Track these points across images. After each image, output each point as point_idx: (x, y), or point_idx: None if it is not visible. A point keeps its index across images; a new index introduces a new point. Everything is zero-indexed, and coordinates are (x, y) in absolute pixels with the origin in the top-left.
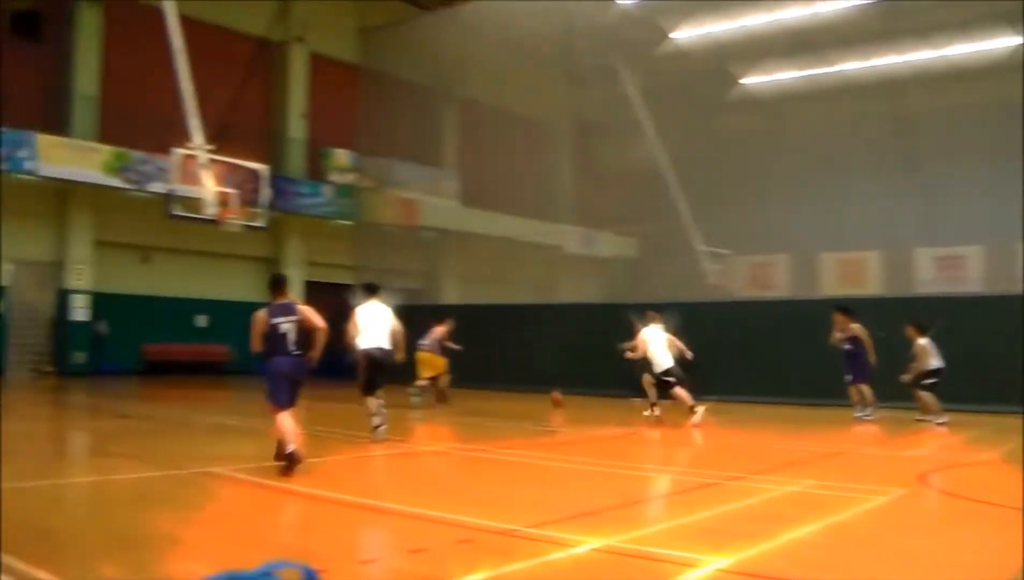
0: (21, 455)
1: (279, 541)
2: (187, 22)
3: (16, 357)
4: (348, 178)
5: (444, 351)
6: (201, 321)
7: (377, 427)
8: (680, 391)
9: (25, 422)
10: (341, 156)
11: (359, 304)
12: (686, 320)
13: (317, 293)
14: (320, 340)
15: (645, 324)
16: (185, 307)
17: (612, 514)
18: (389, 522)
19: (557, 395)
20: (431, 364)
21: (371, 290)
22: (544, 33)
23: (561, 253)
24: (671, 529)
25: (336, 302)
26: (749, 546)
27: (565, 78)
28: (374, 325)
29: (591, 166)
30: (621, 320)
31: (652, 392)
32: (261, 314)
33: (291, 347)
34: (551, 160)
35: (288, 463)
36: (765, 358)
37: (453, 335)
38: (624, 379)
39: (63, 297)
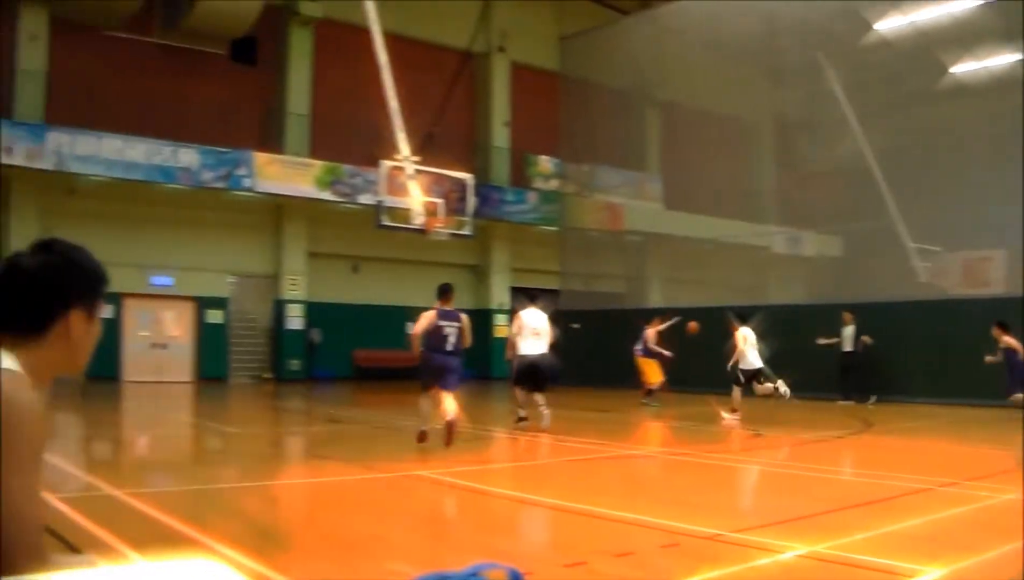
0: (243, 456)
1: (485, 543)
2: (392, 38)
3: (237, 364)
4: (552, 184)
5: (650, 354)
6: (410, 328)
7: (520, 420)
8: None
9: (246, 426)
10: (544, 162)
11: (521, 309)
12: (893, 319)
13: (522, 299)
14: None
15: (741, 324)
16: (393, 314)
17: (819, 519)
18: (594, 525)
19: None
20: (649, 367)
21: (531, 297)
22: (744, 31)
23: (766, 254)
24: (880, 536)
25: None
26: (965, 556)
27: (766, 76)
28: (533, 330)
29: (794, 164)
30: (827, 320)
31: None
32: (431, 314)
33: (449, 348)
34: (754, 160)
35: (420, 439)
36: (977, 358)
37: (663, 336)
38: (831, 381)
39: (279, 307)
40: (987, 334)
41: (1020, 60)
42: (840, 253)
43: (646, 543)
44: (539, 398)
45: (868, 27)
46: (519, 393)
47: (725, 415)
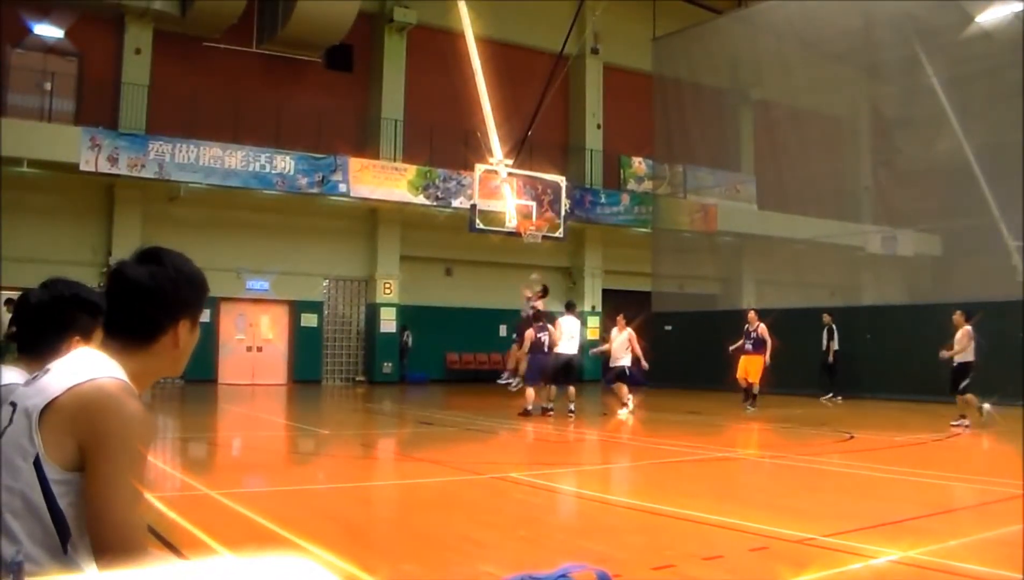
0: (336, 458)
1: (574, 544)
2: (485, 42)
3: (330, 367)
4: (645, 185)
5: (761, 348)
6: (503, 331)
7: (546, 410)
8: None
9: (339, 428)
10: (638, 164)
11: (560, 317)
12: (994, 319)
13: (614, 301)
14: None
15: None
16: (485, 317)
17: (913, 524)
18: (682, 528)
19: None
20: (753, 366)
21: (570, 307)
22: (840, 27)
23: (862, 254)
24: (978, 543)
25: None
26: None
27: (863, 72)
28: (570, 334)
29: (891, 162)
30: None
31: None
32: (531, 331)
33: (545, 349)
34: (849, 158)
35: (524, 413)
36: None
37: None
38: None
39: (372, 310)
40: None
41: None
42: (939, 252)
43: (735, 547)
44: (571, 392)
45: (969, 19)
46: (548, 388)
47: (958, 423)
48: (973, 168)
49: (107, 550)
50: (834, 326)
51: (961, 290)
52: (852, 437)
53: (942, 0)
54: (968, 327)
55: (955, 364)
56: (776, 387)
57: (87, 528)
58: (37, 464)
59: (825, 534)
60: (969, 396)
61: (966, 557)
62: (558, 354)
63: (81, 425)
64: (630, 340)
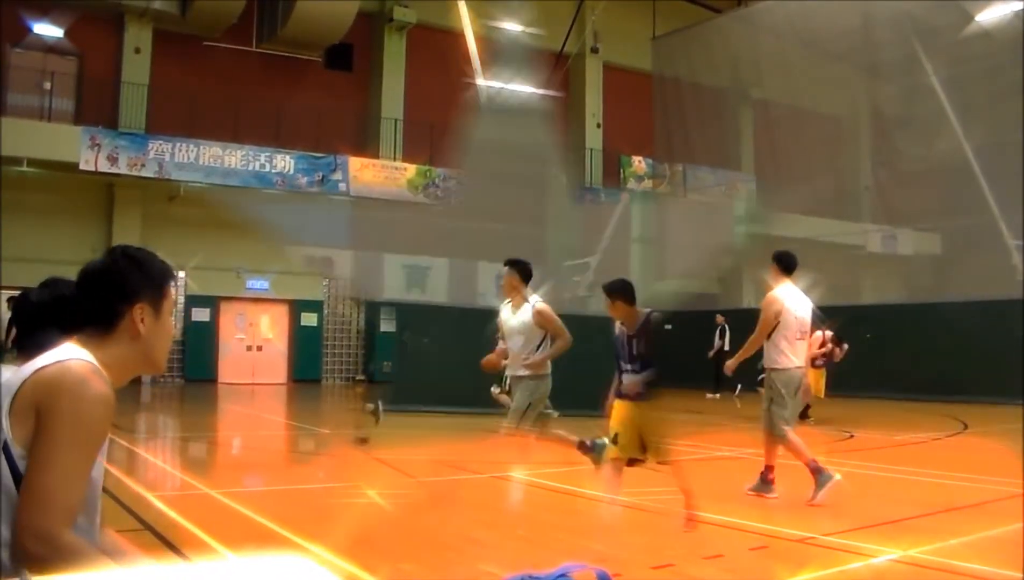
0: (334, 457)
1: (574, 544)
2: (485, 42)
3: (330, 366)
4: (645, 185)
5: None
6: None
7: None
8: None
9: (338, 427)
10: (638, 163)
11: None
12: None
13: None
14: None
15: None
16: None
17: (912, 523)
18: (681, 527)
19: None
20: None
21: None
22: (840, 26)
23: (862, 253)
24: (978, 542)
25: None
26: None
27: (863, 72)
28: None
29: (891, 162)
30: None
31: None
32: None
33: None
34: (850, 157)
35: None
36: None
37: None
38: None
39: (372, 309)
40: None
41: None
42: (938, 251)
43: (735, 546)
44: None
45: (969, 19)
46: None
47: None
48: (973, 167)
49: (26, 523)
50: (726, 326)
51: (961, 289)
52: (852, 436)
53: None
54: None
55: None
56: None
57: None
58: (5, 447)
59: (824, 533)
60: None
61: (966, 556)
62: None
63: (39, 400)
64: None
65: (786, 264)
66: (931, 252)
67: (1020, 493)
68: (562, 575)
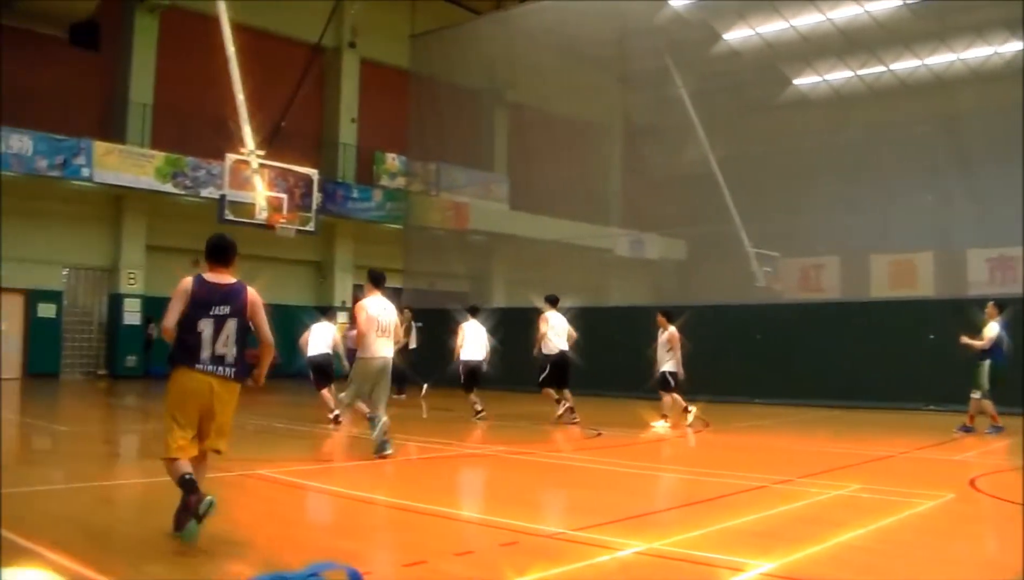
0: (74, 457)
1: (325, 543)
2: (240, 29)
3: (70, 360)
4: (398, 182)
5: None
6: None
7: (479, 412)
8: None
9: (78, 424)
10: (391, 160)
11: (463, 322)
12: (734, 322)
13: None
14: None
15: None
16: None
17: (657, 517)
18: (435, 524)
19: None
20: None
21: (473, 311)
22: (595, 35)
23: (610, 256)
24: (717, 532)
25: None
26: (795, 550)
27: (616, 81)
28: (474, 340)
29: (641, 169)
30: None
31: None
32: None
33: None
34: (601, 163)
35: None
36: (814, 361)
37: None
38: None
39: (116, 301)
40: (827, 336)
41: (854, 75)
42: (684, 257)
43: (486, 542)
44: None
45: (717, 37)
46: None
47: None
48: (717, 177)
49: None
50: (413, 323)
51: (705, 293)
52: (600, 434)
53: (692, 16)
54: None
55: None
56: (512, 385)
57: None
58: None
59: (574, 528)
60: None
61: (707, 546)
62: (467, 360)
63: None
64: (670, 341)
65: (375, 280)
66: (676, 257)
67: (756, 486)
68: (312, 574)
